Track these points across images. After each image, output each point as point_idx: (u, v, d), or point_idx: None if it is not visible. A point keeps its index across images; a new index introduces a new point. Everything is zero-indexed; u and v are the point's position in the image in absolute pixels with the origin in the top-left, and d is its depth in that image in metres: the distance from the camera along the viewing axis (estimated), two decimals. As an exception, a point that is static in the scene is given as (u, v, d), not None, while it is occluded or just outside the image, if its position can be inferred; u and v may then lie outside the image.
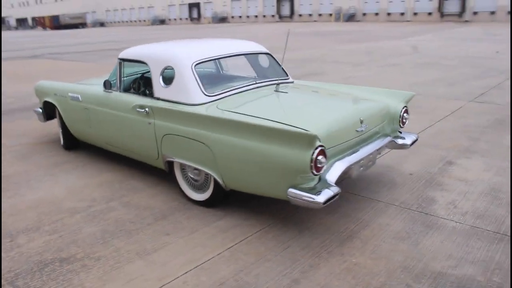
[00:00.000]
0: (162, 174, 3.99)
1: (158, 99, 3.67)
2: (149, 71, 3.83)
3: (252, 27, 40.05)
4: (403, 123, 3.79)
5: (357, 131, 3.22)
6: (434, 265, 2.66)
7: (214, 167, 3.21)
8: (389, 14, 42.03)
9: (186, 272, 2.67)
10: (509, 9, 33.52)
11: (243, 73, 4.34)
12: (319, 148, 2.72)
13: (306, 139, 2.69)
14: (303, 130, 2.73)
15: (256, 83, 3.89)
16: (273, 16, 52.23)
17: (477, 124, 5.73)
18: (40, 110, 5.19)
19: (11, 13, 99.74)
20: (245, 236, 3.08)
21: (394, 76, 9.96)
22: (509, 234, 3.00)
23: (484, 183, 3.84)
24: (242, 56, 4.09)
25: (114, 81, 4.16)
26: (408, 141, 3.77)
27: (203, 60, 3.70)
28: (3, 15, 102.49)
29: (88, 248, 2.99)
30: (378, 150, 3.45)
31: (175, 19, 66.13)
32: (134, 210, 3.54)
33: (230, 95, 3.60)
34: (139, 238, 3.09)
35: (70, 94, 4.58)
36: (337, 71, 10.93)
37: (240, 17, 56.29)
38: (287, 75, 4.32)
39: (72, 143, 5.01)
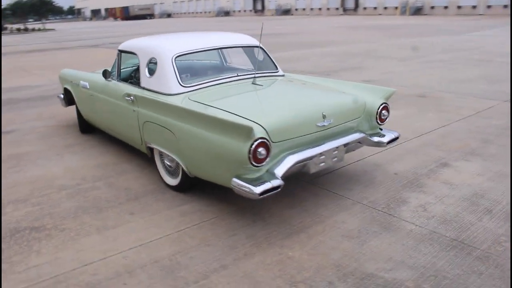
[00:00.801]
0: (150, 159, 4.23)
1: (143, 88, 3.89)
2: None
3: (314, 20, 39.59)
4: (382, 120, 3.68)
5: (318, 125, 3.20)
6: (368, 266, 2.61)
7: (179, 154, 3.37)
8: (459, 7, 39.40)
9: (130, 248, 2.87)
10: None
11: (233, 65, 4.44)
12: (259, 140, 2.77)
13: (244, 131, 2.75)
14: (242, 122, 2.79)
15: (238, 76, 3.98)
16: (337, 9, 51.18)
17: (499, 125, 5.34)
18: (62, 96, 5.66)
19: (86, 5, 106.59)
20: (200, 221, 3.21)
21: (434, 72, 9.46)
22: (466, 242, 2.85)
23: (469, 188, 3.63)
24: (230, 48, 4.20)
25: (114, 71, 4.46)
26: (385, 139, 3.66)
27: (184, 52, 3.85)
28: (79, 6, 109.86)
29: (59, 220, 3.29)
30: (346, 146, 3.40)
31: (239, 11, 67.06)
32: (114, 190, 3.80)
33: (205, 87, 3.73)
34: (105, 215, 3.34)
35: (81, 82, 4.97)
36: (376, 66, 10.59)
37: (304, 9, 55.78)
38: (277, 68, 4.35)
39: (86, 127, 5.43)
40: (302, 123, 3.15)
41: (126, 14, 77.75)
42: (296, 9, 56.97)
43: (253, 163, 2.79)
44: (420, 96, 7.16)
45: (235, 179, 2.88)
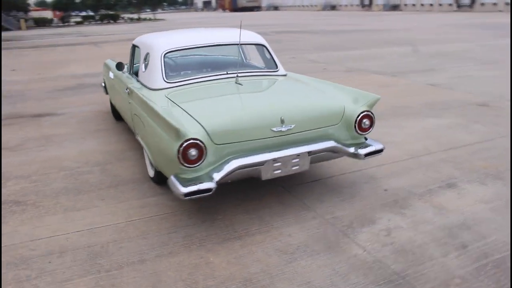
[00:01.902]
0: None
1: (138, 82, 4.08)
2: None
3: (421, 17, 36.93)
4: (363, 130, 3.35)
5: (273, 130, 3.03)
6: (278, 286, 2.43)
7: (147, 147, 3.48)
8: None
9: (77, 231, 3.05)
10: None
11: (232, 61, 4.36)
12: (190, 142, 2.73)
13: (174, 132, 2.74)
14: (173, 123, 2.76)
15: (228, 74, 3.93)
16: (450, 5, 47.03)
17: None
18: (103, 85, 6.16)
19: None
20: (154, 214, 3.28)
21: (519, 79, 8.25)
22: (408, 279, 2.48)
23: (460, 216, 3.14)
24: (226, 46, 4.16)
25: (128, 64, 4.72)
26: (364, 150, 3.33)
27: (175, 49, 3.93)
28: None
29: (41, 198, 3.62)
30: (312, 155, 3.16)
31: (345, 5, 65.32)
32: (104, 176, 4.06)
33: (187, 85, 3.76)
34: (80, 198, 3.59)
35: (110, 72, 5.35)
36: (453, 69, 9.55)
37: (414, 5, 52.31)
38: (276, 67, 4.21)
39: (118, 114, 5.84)
40: (254, 127, 3.01)
41: (234, 6, 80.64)
42: (406, 5, 53.63)
43: (183, 163, 2.76)
44: (481, 105, 6.31)
45: (172, 177, 2.89)
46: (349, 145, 3.34)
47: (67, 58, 14.03)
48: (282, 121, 3.05)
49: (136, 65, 4.64)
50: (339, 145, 3.27)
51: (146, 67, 3.99)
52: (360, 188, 3.66)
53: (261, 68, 4.21)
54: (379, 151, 3.41)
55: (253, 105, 3.32)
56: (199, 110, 3.08)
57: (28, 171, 4.20)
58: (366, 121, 3.34)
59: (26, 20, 41.40)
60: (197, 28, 4.80)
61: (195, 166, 2.81)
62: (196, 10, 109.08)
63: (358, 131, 3.34)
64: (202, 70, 4.02)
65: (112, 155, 4.58)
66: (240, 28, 3.92)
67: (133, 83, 4.12)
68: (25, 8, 48.97)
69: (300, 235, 2.96)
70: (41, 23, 43.77)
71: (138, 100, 3.65)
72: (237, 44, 4.16)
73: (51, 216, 3.30)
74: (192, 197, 2.77)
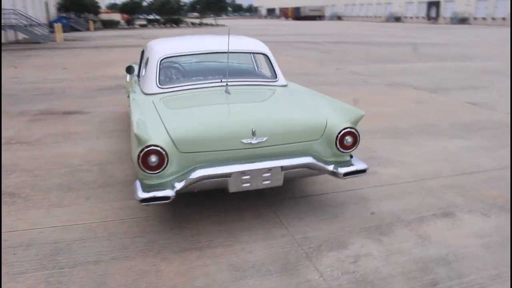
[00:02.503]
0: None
1: (138, 85, 4.17)
2: None
3: (489, 31, 34.78)
4: (345, 147, 3.17)
5: (243, 142, 2.94)
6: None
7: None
8: None
9: (52, 227, 3.15)
10: None
11: (233, 69, 4.32)
12: (151, 148, 2.73)
13: (136, 138, 2.75)
14: (134, 129, 2.79)
15: (221, 81, 3.89)
16: (526, 18, 43.74)
17: None
18: (125, 87, 6.38)
19: (263, 3, 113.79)
20: (128, 217, 3.31)
21: None
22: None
23: (443, 250, 2.85)
24: (224, 53, 4.13)
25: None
26: (344, 169, 3.14)
27: (172, 55, 3.97)
28: (257, 4, 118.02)
29: (34, 192, 3.79)
30: (285, 170, 3.03)
31: (411, 17, 63.04)
32: (100, 175, 4.17)
33: (177, 91, 3.76)
34: (68, 195, 3.71)
35: (127, 75, 5.53)
36: (501, 88, 8.84)
37: (484, 18, 49.29)
38: (276, 77, 4.11)
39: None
40: (222, 137, 2.94)
41: (297, 15, 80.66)
42: (475, 18, 50.67)
43: (144, 169, 2.77)
44: (518, 129, 5.78)
45: (137, 181, 2.90)
46: (329, 163, 3.17)
47: (117, 59, 14.70)
48: (254, 133, 2.96)
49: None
50: (316, 162, 3.10)
51: (145, 71, 4.08)
52: (346, 208, 3.47)
53: (260, 77, 4.14)
54: (361, 171, 3.20)
55: (226, 115, 3.26)
56: (172, 118, 3.07)
57: (34, 166, 4.43)
58: (348, 138, 3.15)
59: (94, 22, 44.20)
60: (202, 35, 4.83)
61: (156, 173, 2.80)
62: (260, 17, 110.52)
63: (340, 149, 3.17)
64: (197, 77, 4.02)
65: (116, 156, 4.72)
66: (228, 36, 3.88)
67: (134, 87, 4.22)
68: (96, 11, 52.29)
69: (261, 253, 2.84)
70: (108, 25, 46.56)
71: (129, 103, 3.73)
72: (235, 52, 4.14)
73: (36, 210, 3.44)
74: (148, 203, 2.77)
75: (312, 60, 14.14)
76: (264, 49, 4.26)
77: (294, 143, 3.11)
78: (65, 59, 15.15)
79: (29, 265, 2.69)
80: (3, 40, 24.75)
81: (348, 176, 3.18)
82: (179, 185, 2.84)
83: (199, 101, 3.58)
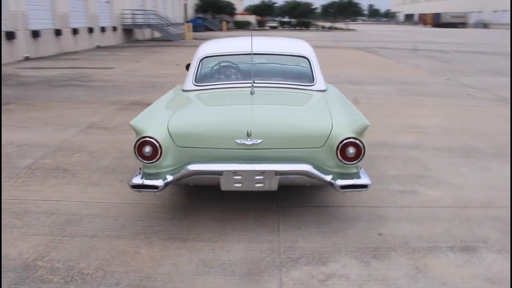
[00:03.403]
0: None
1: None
2: None
3: None
4: (347, 159, 2.95)
5: (237, 142, 2.95)
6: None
7: None
8: None
9: (77, 201, 3.58)
10: None
11: (269, 71, 4.29)
12: (146, 139, 2.93)
13: (133, 128, 2.96)
14: (133, 121, 3.02)
15: (254, 83, 3.91)
16: None
17: None
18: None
19: (401, 9, 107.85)
20: (146, 202, 3.56)
21: None
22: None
23: (433, 286, 2.48)
24: (265, 55, 4.15)
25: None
26: (342, 182, 2.93)
27: (212, 55, 4.16)
28: (394, 10, 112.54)
29: (84, 170, 4.31)
30: (279, 175, 2.94)
31: None
32: (130, 163, 4.51)
33: (210, 89, 3.92)
34: (108, 177, 4.13)
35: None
36: None
37: None
38: (312, 81, 3.98)
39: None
40: (217, 136, 3.01)
41: (436, 21, 74.82)
42: None
43: (139, 158, 2.98)
44: None
45: (139, 169, 3.13)
46: (329, 173, 3.00)
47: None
48: (249, 135, 2.96)
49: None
50: (313, 171, 2.96)
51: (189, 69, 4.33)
52: (353, 225, 3.23)
53: (296, 81, 4.05)
54: (361, 186, 2.95)
55: (226, 114, 3.29)
56: (179, 113, 3.25)
57: (97, 148, 5.03)
58: (350, 149, 2.94)
59: (227, 23, 47.29)
60: (249, 37, 4.89)
61: (151, 162, 3.00)
62: (397, 23, 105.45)
63: (341, 160, 2.97)
64: (232, 77, 4.12)
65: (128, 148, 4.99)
66: (252, 38, 3.89)
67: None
68: (231, 12, 55.80)
69: (237, 254, 2.84)
70: (240, 26, 49.34)
71: None
72: (274, 55, 4.14)
73: (75, 186, 3.94)
74: (138, 190, 2.98)
75: (425, 69, 13.10)
76: (306, 52, 4.16)
77: (293, 148, 3.02)
78: (184, 55, 16.53)
79: (42, 230, 3.12)
80: (139, 37, 28.12)
81: (346, 190, 2.97)
82: (170, 177, 2.99)
83: (219, 100, 3.70)
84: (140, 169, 3.12)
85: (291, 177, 3.01)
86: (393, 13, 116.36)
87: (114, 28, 24.29)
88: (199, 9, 50.11)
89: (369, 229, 3.18)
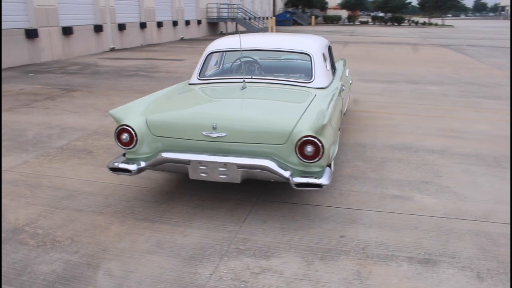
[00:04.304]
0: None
1: (195, 76, 4.67)
2: None
3: None
4: (306, 157, 2.94)
5: (204, 134, 3.09)
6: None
7: None
8: None
9: (84, 180, 4.00)
10: None
11: (271, 67, 4.34)
12: (123, 127, 3.21)
13: (112, 117, 3.24)
14: (113, 110, 3.30)
15: (252, 78, 4.01)
16: None
17: None
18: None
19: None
20: (140, 185, 3.87)
21: None
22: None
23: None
24: (270, 51, 4.20)
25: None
26: (299, 179, 2.93)
27: (219, 50, 4.33)
28: (504, 3, 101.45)
29: (105, 153, 4.76)
30: (241, 168, 3.04)
31: None
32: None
33: (210, 83, 4.13)
34: (86, 160, 4.50)
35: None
36: None
37: None
38: (311, 79, 3.95)
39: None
40: (186, 127, 3.18)
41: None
42: None
43: (119, 144, 3.26)
44: None
45: (122, 154, 3.42)
46: (290, 170, 3.01)
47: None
48: (214, 128, 3.09)
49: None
50: (273, 166, 2.99)
51: (199, 64, 4.55)
52: (320, 225, 3.19)
53: (293, 78, 4.06)
54: (316, 185, 2.91)
55: (198, 107, 3.42)
56: (161, 104, 3.48)
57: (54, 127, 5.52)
58: (308, 148, 2.91)
59: (316, 17, 46.80)
60: (260, 33, 4.95)
61: (129, 148, 3.27)
62: (506, 18, 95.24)
63: (301, 158, 2.96)
64: (233, 72, 4.24)
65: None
66: (240, 37, 3.93)
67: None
68: (322, 7, 55.09)
69: (192, 239, 3.00)
70: (329, 20, 48.52)
71: None
72: (276, 51, 4.18)
73: (89, 166, 4.39)
74: (115, 172, 3.28)
75: (506, 70, 11.84)
76: (309, 49, 4.12)
77: (256, 143, 3.08)
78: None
79: (42, 201, 3.58)
80: (223, 30, 29.11)
81: (301, 188, 2.96)
82: (143, 163, 3.25)
83: (210, 94, 3.88)
84: (123, 154, 3.42)
85: (253, 171, 3.08)
86: (503, 7, 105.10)
87: (199, 22, 25.53)
88: (289, 3, 50.30)
89: (334, 230, 3.13)
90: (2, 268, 2.66)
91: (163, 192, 3.76)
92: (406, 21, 49.06)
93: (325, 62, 4.28)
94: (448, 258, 2.79)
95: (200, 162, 3.13)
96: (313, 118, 3.08)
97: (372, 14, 57.20)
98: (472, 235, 3.06)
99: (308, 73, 4.04)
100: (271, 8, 43.33)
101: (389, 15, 51.31)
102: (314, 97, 3.67)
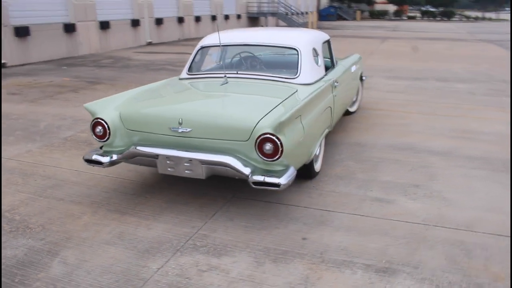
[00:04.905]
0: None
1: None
2: None
3: None
4: (266, 156, 2.87)
5: (171, 129, 3.10)
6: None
7: None
8: None
9: (73, 170, 4.14)
10: None
11: (257, 63, 4.29)
12: (97, 120, 3.29)
13: (87, 110, 3.33)
14: (88, 103, 3.38)
15: (237, 73, 3.97)
16: None
17: None
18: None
19: None
20: (126, 178, 3.95)
21: None
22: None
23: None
24: (259, 46, 4.14)
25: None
26: (257, 178, 2.88)
27: (210, 45, 4.32)
28: None
29: (66, 141, 4.90)
30: (205, 164, 3.02)
31: None
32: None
33: (196, 78, 4.14)
34: (84, 152, 4.56)
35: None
36: None
37: None
38: (295, 75, 3.85)
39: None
40: (155, 122, 3.21)
41: None
42: None
43: (94, 137, 3.34)
44: None
45: (100, 147, 3.50)
46: (252, 167, 2.95)
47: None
48: (180, 123, 3.09)
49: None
50: (235, 163, 2.95)
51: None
52: (286, 226, 3.11)
53: (277, 73, 3.98)
54: (273, 185, 2.83)
55: (167, 103, 3.42)
56: (134, 99, 3.56)
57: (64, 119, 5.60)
58: (267, 146, 2.84)
59: (362, 12, 45.56)
60: (252, 28, 4.86)
61: (104, 141, 3.35)
62: None
63: (260, 156, 2.89)
64: (221, 68, 4.20)
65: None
66: (218, 32, 3.87)
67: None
68: (370, 1, 53.51)
69: (153, 233, 3.02)
70: (375, 15, 47.08)
71: None
72: (264, 46, 4.11)
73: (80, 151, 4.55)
74: (89, 164, 3.36)
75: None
76: (298, 44, 4.01)
77: (219, 139, 3.05)
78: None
79: (30, 189, 3.75)
80: (263, 25, 29.02)
81: (259, 187, 2.89)
82: (115, 156, 3.31)
83: (187, 89, 3.89)
84: (101, 147, 3.51)
85: (216, 167, 3.06)
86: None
87: (238, 16, 25.63)
88: (334, -3, 49.38)
89: (299, 232, 3.04)
90: (-29, 251, 2.83)
91: (144, 185, 3.82)
92: (457, 16, 46.63)
93: (317, 58, 4.15)
94: (410, 268, 2.63)
95: (168, 157, 3.15)
96: (276, 115, 3.00)
97: (423, 8, 54.75)
98: (445, 245, 2.87)
99: (294, 68, 3.94)
100: (315, 3, 42.67)
101: (441, 9, 48.98)
102: (293, 93, 3.58)
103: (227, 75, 3.96)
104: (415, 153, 4.61)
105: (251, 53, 4.28)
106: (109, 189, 3.74)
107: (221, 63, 4.33)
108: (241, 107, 3.37)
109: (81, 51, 13.35)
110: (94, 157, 3.33)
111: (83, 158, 3.43)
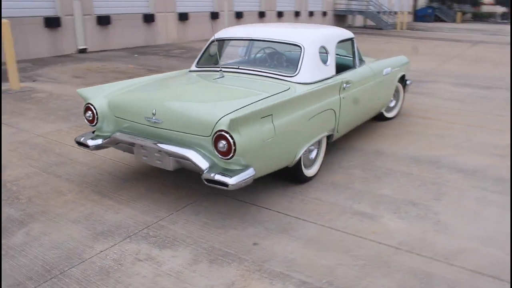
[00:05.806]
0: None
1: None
2: None
3: None
4: (221, 153, 2.79)
5: (146, 119, 3.16)
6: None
7: None
8: None
9: (84, 151, 4.40)
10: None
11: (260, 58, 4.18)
12: (87, 105, 3.46)
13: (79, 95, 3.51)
14: (81, 89, 3.56)
15: (238, 68, 3.92)
16: None
17: None
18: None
19: None
20: (125, 162, 4.12)
21: None
22: None
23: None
24: (265, 42, 4.04)
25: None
26: (211, 175, 2.80)
27: (222, 38, 4.34)
28: None
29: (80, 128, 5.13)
30: (172, 156, 3.05)
31: None
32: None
33: (200, 71, 4.17)
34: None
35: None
36: None
37: None
38: (294, 73, 3.69)
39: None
40: (134, 111, 3.29)
41: None
42: None
43: (86, 120, 3.52)
44: None
45: (92, 131, 3.69)
46: (214, 165, 2.89)
47: (402, 50, 14.26)
48: (154, 114, 3.14)
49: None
50: (194, 158, 2.92)
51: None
52: (245, 228, 3.01)
53: (276, 70, 3.84)
54: (222, 184, 2.73)
55: (148, 93, 3.46)
56: (125, 88, 3.67)
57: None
58: (220, 143, 2.76)
59: (464, 14, 41.87)
60: (265, 24, 4.69)
61: (93, 125, 3.52)
62: None
63: (217, 153, 2.82)
64: (225, 62, 4.17)
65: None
66: (213, 30, 3.77)
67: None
68: (475, 2, 49.09)
69: (118, 218, 3.12)
70: (479, 17, 43.01)
71: None
72: (275, 42, 4.01)
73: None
74: (79, 145, 3.55)
75: None
76: (303, 41, 3.82)
77: (186, 133, 3.04)
78: (373, 45, 15.98)
79: (39, 164, 4.09)
80: (351, 23, 28.09)
81: (210, 184, 2.82)
82: (100, 141, 3.47)
83: (179, 81, 3.94)
84: (93, 131, 3.70)
85: (181, 160, 3.06)
86: None
87: (324, 13, 25.15)
88: (435, -3, 46.08)
89: (254, 236, 2.92)
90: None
91: (139, 172, 3.95)
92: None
93: (325, 56, 3.92)
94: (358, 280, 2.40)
95: (142, 146, 3.23)
96: (239, 113, 2.89)
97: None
98: (406, 274, 2.55)
99: (294, 66, 3.77)
100: (411, 3, 40.18)
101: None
102: (282, 91, 3.42)
103: (230, 69, 3.95)
104: (436, 168, 4.15)
105: (260, 48, 4.21)
106: (104, 172, 3.94)
107: (227, 57, 4.31)
108: (213, 102, 3.32)
109: (158, 41, 14.16)
110: (82, 139, 3.53)
111: (74, 139, 3.66)
